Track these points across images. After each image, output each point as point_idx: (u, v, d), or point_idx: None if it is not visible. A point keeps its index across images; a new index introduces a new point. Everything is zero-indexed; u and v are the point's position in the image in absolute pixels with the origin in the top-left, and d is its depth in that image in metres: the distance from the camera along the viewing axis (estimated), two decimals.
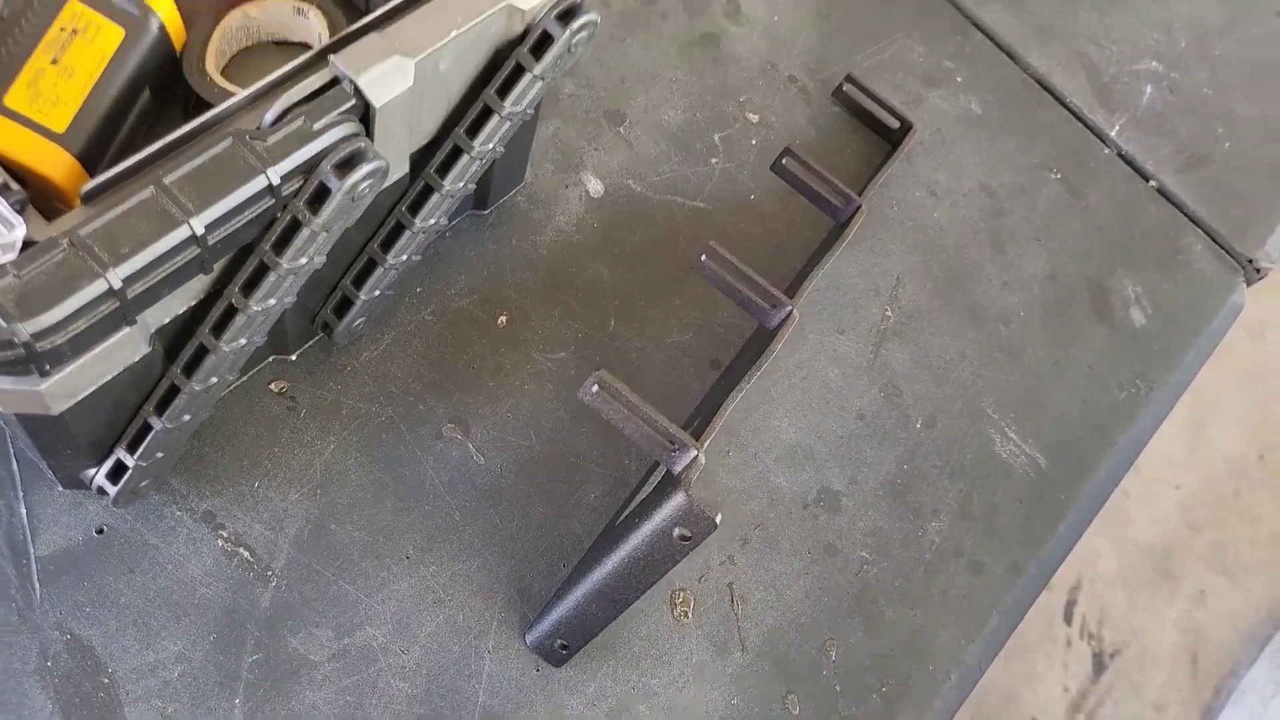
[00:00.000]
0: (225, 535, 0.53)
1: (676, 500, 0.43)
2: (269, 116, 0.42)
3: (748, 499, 0.60)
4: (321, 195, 0.43)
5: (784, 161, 0.63)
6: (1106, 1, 0.83)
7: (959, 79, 0.76)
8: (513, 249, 0.63)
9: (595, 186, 0.66)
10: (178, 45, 0.47)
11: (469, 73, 0.49)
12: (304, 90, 0.43)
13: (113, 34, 0.43)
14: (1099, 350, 0.69)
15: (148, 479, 0.50)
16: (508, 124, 0.50)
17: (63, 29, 0.43)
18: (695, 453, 0.45)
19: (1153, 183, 0.76)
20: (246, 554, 0.53)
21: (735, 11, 0.74)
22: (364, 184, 0.43)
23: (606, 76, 0.69)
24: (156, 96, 0.46)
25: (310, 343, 0.57)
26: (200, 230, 0.40)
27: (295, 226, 0.43)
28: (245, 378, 0.56)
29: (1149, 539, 1.75)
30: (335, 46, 0.43)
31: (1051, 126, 0.76)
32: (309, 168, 0.42)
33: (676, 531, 0.44)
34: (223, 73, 0.49)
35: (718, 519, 0.43)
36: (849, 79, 0.71)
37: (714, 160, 0.68)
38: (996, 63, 0.77)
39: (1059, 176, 0.74)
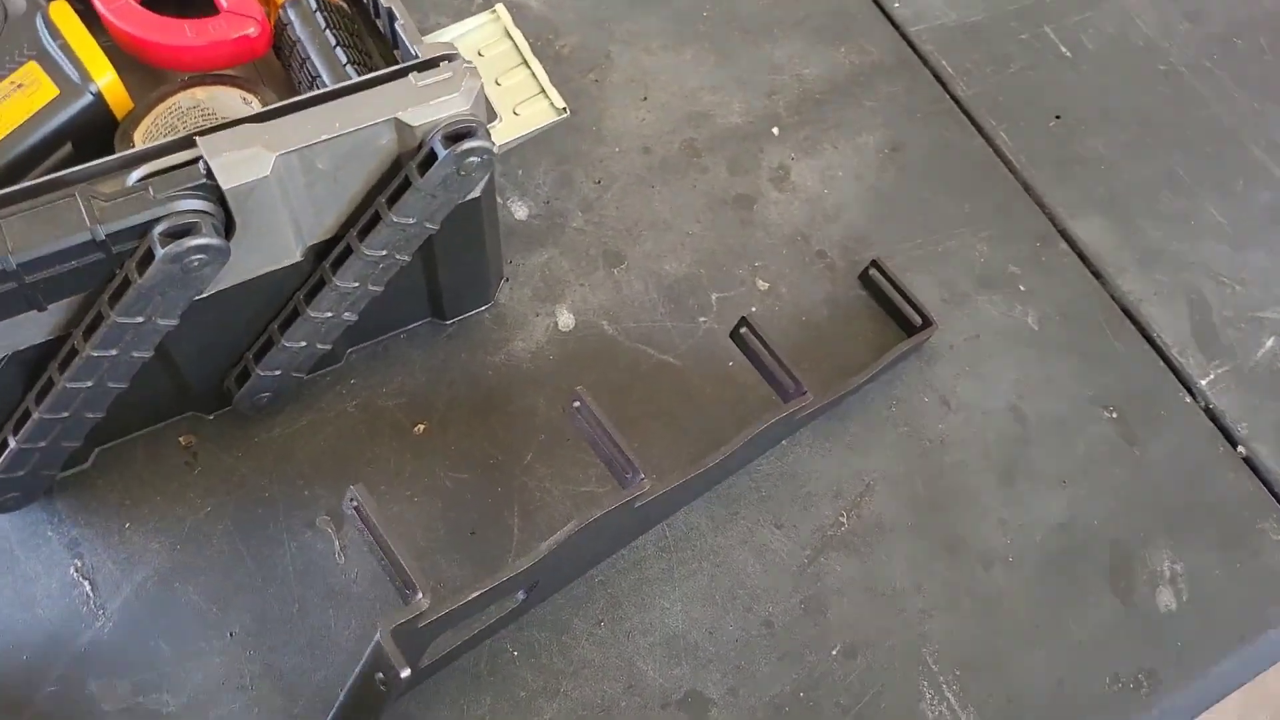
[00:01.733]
0: (79, 566, 0.55)
1: (374, 641, 0.41)
2: (130, 179, 0.46)
3: (603, 678, 0.55)
4: (150, 259, 0.45)
5: (741, 331, 0.59)
6: (1247, 234, 0.72)
7: (1021, 287, 0.68)
8: (460, 362, 0.63)
9: (566, 320, 0.65)
10: (119, 112, 0.52)
11: (365, 177, 0.50)
12: (166, 163, 0.46)
13: (47, 92, 0.49)
14: (1100, 627, 0.58)
15: (14, 492, 0.54)
16: (400, 234, 0.51)
17: (13, 83, 0.49)
18: (420, 596, 0.42)
19: (1241, 449, 0.64)
20: (89, 588, 0.55)
21: (783, 178, 0.71)
22: (193, 257, 0.45)
23: (620, 217, 0.68)
24: (83, 152, 0.51)
25: (228, 408, 0.59)
26: (13, 266, 0.43)
27: (126, 284, 0.46)
28: (161, 425, 0.59)
29: None
30: (211, 130, 0.46)
31: (1123, 360, 0.66)
32: (142, 232, 0.45)
33: (378, 676, 0.41)
34: None
35: (404, 673, 0.40)
36: (874, 264, 0.66)
37: (702, 319, 0.65)
38: (1076, 278, 0.69)
39: (1115, 416, 0.64)
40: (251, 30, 0.53)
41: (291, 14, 0.54)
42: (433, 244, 0.55)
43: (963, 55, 0.77)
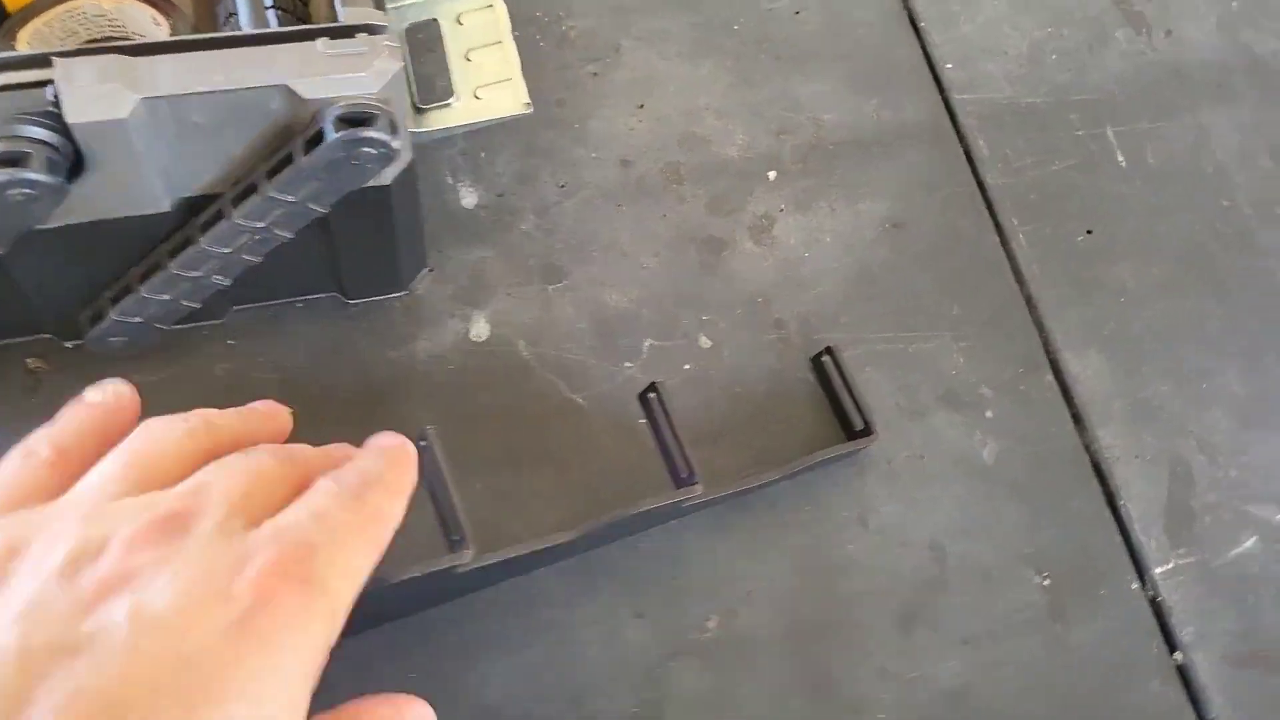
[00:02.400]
0: None
1: None
2: None
3: None
4: None
5: (649, 395, 0.53)
6: (1264, 415, 0.63)
7: (989, 414, 0.61)
8: (353, 349, 0.57)
9: (481, 329, 0.59)
10: (11, 4, 0.47)
11: (250, 140, 0.44)
12: (12, 79, 0.41)
13: None
14: None
15: None
16: (279, 209, 0.45)
17: None
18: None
19: (1178, 656, 0.56)
20: None
21: (764, 230, 0.64)
22: (16, 190, 0.40)
23: (574, 230, 0.62)
24: None
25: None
26: None
27: None
28: (11, 340, 0.55)
29: None
30: (76, 52, 0.41)
31: (1077, 522, 0.59)
32: None
33: None
34: None
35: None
36: (829, 350, 0.59)
37: (628, 364, 0.59)
38: (1052, 418, 0.61)
39: (1047, 583, 0.57)
40: None
41: None
42: (329, 223, 0.49)
43: (1005, 138, 0.69)
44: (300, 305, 0.58)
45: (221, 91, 0.42)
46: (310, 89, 0.42)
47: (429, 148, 0.62)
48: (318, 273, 0.56)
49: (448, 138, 0.63)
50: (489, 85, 0.56)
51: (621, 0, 0.70)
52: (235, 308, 0.57)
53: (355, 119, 0.43)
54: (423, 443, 0.45)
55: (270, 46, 0.43)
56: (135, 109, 0.41)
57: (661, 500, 0.50)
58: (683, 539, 0.56)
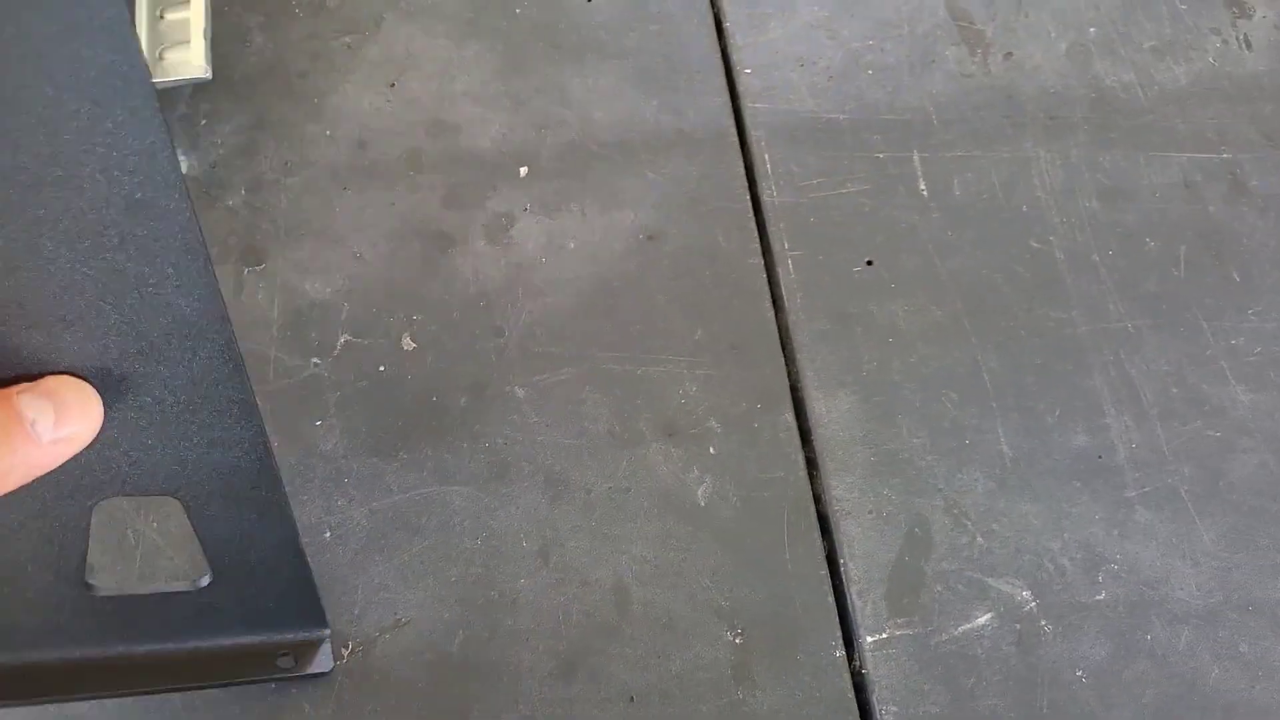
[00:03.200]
0: None
1: None
2: None
3: None
4: None
5: None
6: (1026, 479, 0.58)
7: (712, 450, 0.56)
8: None
9: None
10: None
11: None
12: None
13: None
14: None
15: None
16: None
17: None
18: None
19: None
20: None
21: (502, 230, 0.59)
22: None
23: (289, 211, 0.58)
24: None
25: None
26: None
27: None
28: None
29: None
30: None
31: (786, 578, 0.53)
32: None
33: None
34: None
35: None
36: None
37: (315, 360, 0.54)
38: (782, 462, 0.56)
39: (738, 641, 0.52)
40: None
41: None
42: None
43: (795, 154, 0.64)
44: None
45: None
46: None
47: None
48: None
49: (169, 98, 0.58)
50: (172, 47, 0.52)
51: None
52: None
53: None
54: None
55: None
56: None
57: None
58: (335, 556, 0.51)
